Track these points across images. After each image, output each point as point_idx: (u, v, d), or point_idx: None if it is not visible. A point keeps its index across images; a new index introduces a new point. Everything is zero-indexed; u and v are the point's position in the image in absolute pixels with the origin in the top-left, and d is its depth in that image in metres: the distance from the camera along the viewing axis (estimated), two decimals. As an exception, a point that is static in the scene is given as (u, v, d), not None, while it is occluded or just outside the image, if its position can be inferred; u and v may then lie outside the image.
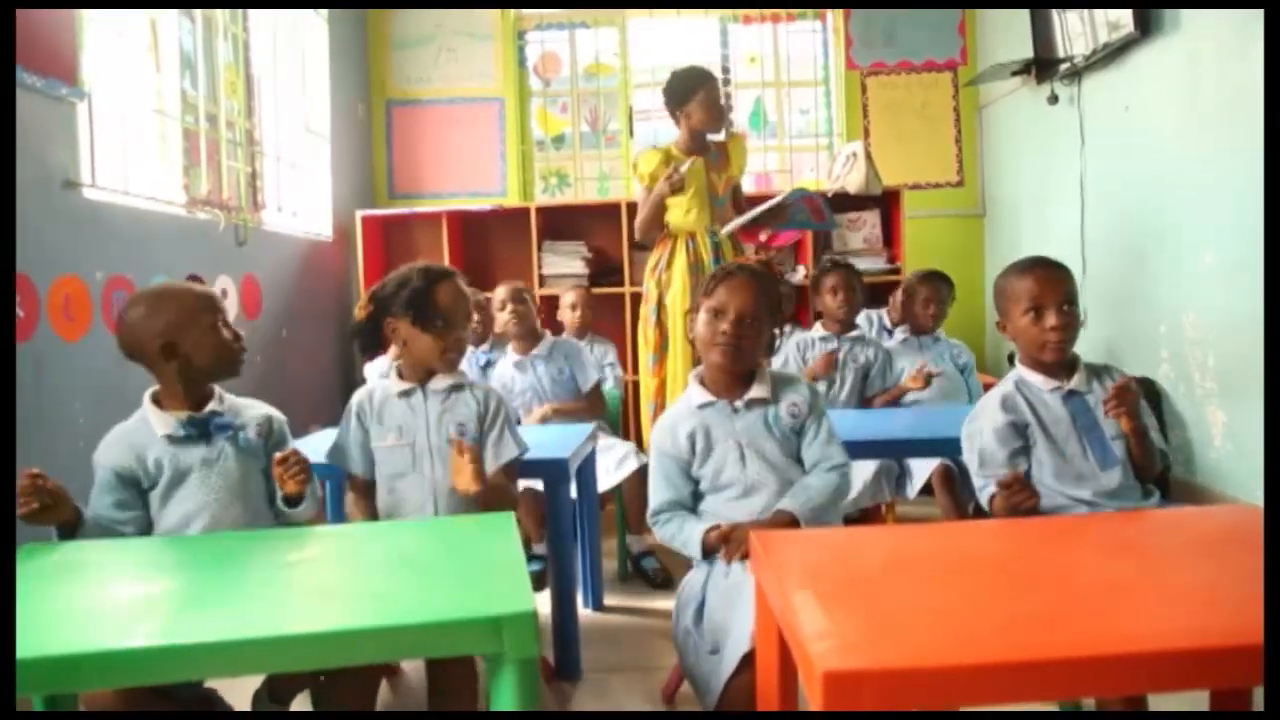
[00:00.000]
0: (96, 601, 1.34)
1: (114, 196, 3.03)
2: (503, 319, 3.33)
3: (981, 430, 1.94)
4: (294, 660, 1.24)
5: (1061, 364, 1.94)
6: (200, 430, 1.77)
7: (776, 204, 3.39)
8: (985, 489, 1.91)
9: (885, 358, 3.36)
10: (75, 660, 1.10)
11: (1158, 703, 1.75)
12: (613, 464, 3.08)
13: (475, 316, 3.13)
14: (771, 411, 1.91)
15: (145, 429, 1.76)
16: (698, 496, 1.95)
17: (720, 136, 3.58)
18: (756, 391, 1.92)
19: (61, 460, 2.43)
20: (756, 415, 1.91)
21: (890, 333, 3.67)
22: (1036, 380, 1.95)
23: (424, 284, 1.96)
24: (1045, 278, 1.91)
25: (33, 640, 1.11)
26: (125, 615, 1.26)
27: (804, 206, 3.44)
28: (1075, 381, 1.94)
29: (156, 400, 1.79)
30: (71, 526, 1.66)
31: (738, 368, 1.92)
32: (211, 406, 1.80)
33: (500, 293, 3.35)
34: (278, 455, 1.75)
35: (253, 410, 1.87)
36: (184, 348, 1.75)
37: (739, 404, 1.91)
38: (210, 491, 1.75)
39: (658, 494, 1.94)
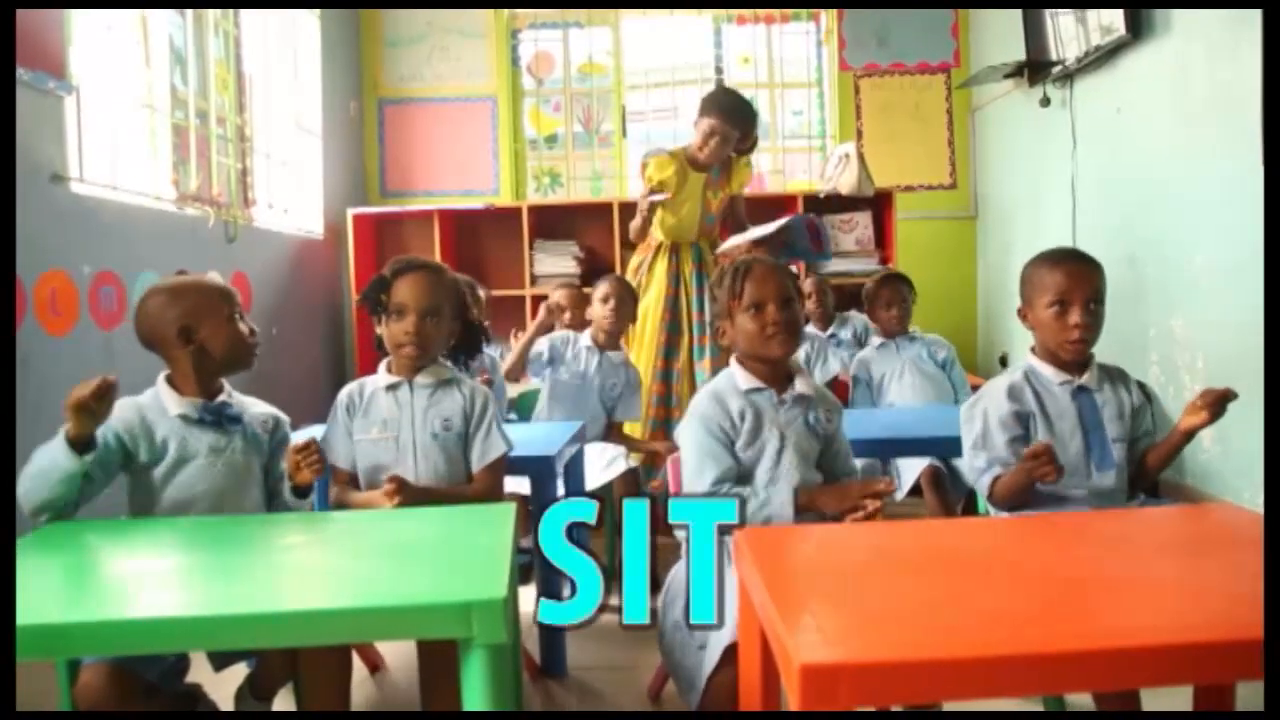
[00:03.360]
0: (93, 576, 1.42)
1: (102, 191, 3.01)
2: (603, 312, 3.15)
3: (986, 412, 1.92)
4: (267, 637, 1.28)
5: (1077, 361, 1.93)
6: (214, 416, 1.79)
7: (780, 225, 3.34)
8: (986, 472, 1.89)
9: (820, 346, 3.54)
10: (70, 629, 1.15)
11: (1148, 701, 1.75)
12: (602, 464, 3.07)
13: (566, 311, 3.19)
14: (813, 413, 1.88)
15: (157, 406, 1.78)
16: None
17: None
18: (801, 387, 1.88)
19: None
20: (799, 412, 1.87)
21: (862, 343, 3.67)
22: (1047, 372, 1.93)
23: (386, 275, 1.98)
24: (1075, 272, 1.89)
25: (33, 609, 1.17)
26: (118, 589, 1.33)
27: (804, 231, 3.41)
28: (1086, 378, 1.93)
29: (170, 383, 1.80)
30: (86, 442, 1.61)
31: (794, 350, 1.88)
32: (222, 398, 1.83)
33: (604, 287, 3.18)
34: (298, 443, 1.77)
35: (258, 408, 1.90)
36: (200, 335, 1.77)
37: (786, 396, 1.87)
38: (215, 479, 1.77)
39: (705, 469, 1.79)
